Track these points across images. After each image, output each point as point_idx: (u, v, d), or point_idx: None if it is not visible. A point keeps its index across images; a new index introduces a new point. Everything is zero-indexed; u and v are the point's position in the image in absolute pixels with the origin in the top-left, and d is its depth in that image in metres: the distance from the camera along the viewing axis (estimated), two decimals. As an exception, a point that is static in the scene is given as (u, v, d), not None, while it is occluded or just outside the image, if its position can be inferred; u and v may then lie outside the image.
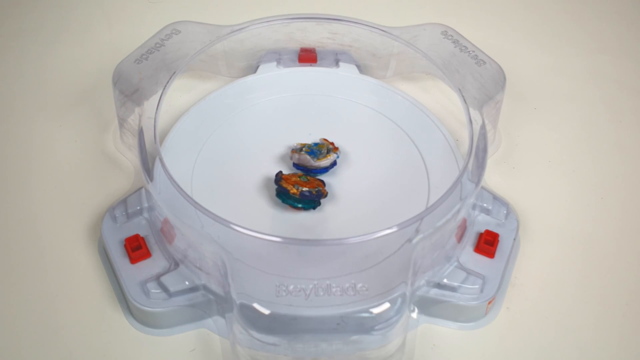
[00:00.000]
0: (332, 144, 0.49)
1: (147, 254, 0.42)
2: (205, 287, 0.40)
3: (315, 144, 0.48)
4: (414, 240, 0.40)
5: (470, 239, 0.44)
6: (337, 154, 0.47)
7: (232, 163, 0.48)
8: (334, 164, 0.47)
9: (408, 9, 0.68)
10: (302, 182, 0.45)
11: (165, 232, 0.43)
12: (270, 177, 0.47)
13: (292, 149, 0.48)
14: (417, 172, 0.48)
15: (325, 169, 0.47)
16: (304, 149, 0.48)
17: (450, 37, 0.53)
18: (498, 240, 0.44)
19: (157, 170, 0.44)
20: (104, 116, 0.54)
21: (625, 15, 0.68)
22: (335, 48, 0.57)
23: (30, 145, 0.52)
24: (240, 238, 0.39)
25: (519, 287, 0.44)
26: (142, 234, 0.43)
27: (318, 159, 0.47)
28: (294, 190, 0.44)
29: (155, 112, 0.46)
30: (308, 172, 0.47)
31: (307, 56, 0.57)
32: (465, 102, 0.48)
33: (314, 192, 0.44)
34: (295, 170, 0.48)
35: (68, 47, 0.62)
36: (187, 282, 0.41)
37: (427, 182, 0.47)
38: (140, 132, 0.45)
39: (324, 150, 0.48)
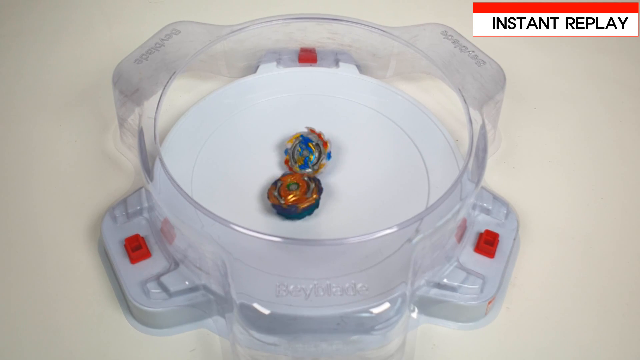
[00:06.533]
0: (320, 136, 0.48)
1: (147, 254, 0.42)
2: (205, 287, 0.40)
3: (305, 142, 0.48)
4: (414, 240, 0.40)
5: (470, 239, 0.44)
6: (328, 153, 0.47)
7: (232, 163, 0.48)
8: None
9: (408, 9, 0.68)
10: (289, 192, 0.44)
11: (165, 232, 0.43)
12: (270, 176, 0.47)
13: (285, 158, 0.48)
14: (417, 172, 0.48)
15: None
16: (295, 155, 0.47)
17: (450, 37, 0.53)
18: (498, 240, 0.44)
19: (157, 170, 0.44)
20: (104, 116, 0.54)
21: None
22: (335, 48, 0.57)
23: (30, 145, 0.52)
24: (240, 238, 0.39)
25: (519, 287, 0.44)
26: (142, 234, 0.43)
27: (314, 170, 0.47)
28: (272, 200, 0.44)
29: (155, 112, 0.46)
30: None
31: (307, 56, 0.57)
32: (465, 102, 0.48)
33: (284, 206, 0.44)
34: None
35: (68, 47, 0.62)
36: (187, 282, 0.41)
37: (427, 182, 0.47)
38: (140, 132, 0.45)
39: (315, 158, 0.47)
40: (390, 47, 0.55)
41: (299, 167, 0.47)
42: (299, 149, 0.48)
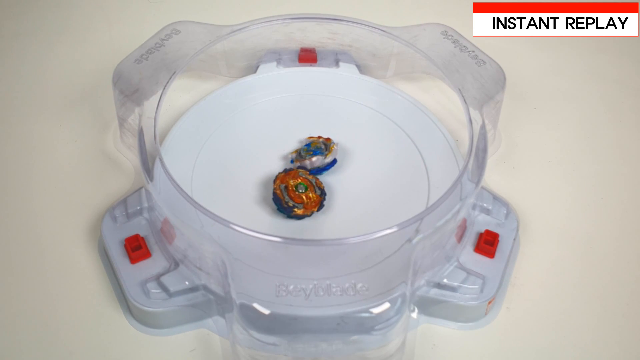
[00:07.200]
0: (326, 139, 0.49)
1: (147, 254, 0.42)
2: (205, 287, 0.40)
3: (308, 145, 0.48)
4: (414, 240, 0.40)
5: (470, 239, 0.44)
6: (335, 145, 0.48)
7: (232, 163, 0.48)
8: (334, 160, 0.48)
9: (408, 9, 0.68)
10: (296, 193, 0.44)
11: (165, 232, 0.43)
12: (271, 177, 0.47)
13: (295, 159, 0.48)
14: (417, 172, 0.48)
15: (330, 165, 0.47)
16: (303, 153, 0.47)
17: (450, 37, 0.53)
18: (498, 240, 0.44)
19: (157, 170, 0.43)
20: (104, 116, 0.54)
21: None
22: (335, 48, 0.57)
23: (30, 145, 0.52)
24: (240, 238, 0.39)
25: (519, 287, 0.44)
26: (142, 234, 0.43)
27: (325, 155, 0.47)
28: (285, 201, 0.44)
29: (155, 112, 0.46)
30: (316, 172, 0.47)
31: (307, 56, 0.57)
32: (465, 102, 0.48)
33: (284, 205, 0.44)
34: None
35: (68, 47, 0.62)
36: (187, 282, 0.41)
37: (427, 182, 0.47)
38: (140, 132, 0.45)
39: (321, 147, 0.48)
40: (390, 47, 0.55)
41: (311, 154, 0.47)
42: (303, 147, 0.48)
